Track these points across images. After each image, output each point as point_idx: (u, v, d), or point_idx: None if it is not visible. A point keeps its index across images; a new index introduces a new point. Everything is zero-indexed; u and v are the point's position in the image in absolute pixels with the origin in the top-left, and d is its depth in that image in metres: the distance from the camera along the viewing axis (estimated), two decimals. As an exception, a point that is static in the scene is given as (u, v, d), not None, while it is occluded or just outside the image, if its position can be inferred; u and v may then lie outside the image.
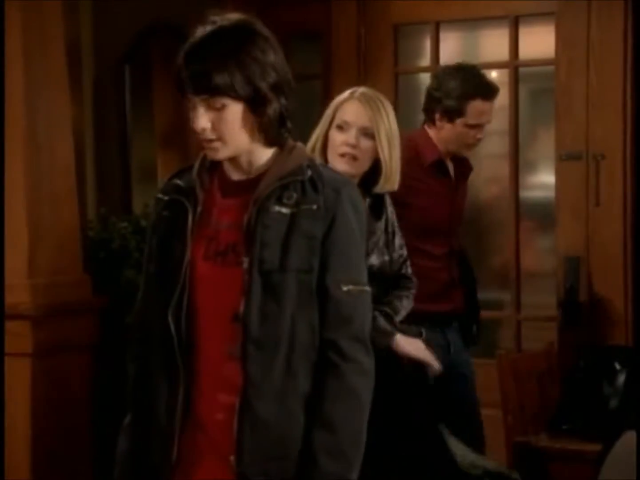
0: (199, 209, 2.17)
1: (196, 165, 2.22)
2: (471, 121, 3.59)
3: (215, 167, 2.22)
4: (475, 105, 3.58)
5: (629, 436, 3.22)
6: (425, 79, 4.77)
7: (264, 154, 2.18)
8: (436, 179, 3.68)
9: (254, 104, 2.09)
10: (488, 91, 3.59)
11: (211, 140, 2.11)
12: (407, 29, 4.76)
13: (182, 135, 4.79)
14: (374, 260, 2.93)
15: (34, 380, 3.87)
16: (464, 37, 4.82)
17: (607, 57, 4.32)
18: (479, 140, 3.65)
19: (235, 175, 2.20)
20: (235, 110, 2.09)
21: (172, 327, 2.13)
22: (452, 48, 4.77)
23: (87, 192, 4.62)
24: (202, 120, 2.09)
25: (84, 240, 4.26)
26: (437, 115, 3.64)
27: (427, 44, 4.70)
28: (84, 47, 4.61)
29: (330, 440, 2.09)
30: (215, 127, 2.09)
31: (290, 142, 2.20)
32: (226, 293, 2.13)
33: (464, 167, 3.79)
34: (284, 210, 2.12)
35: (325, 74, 4.80)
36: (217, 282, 2.14)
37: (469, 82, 3.62)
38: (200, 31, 2.10)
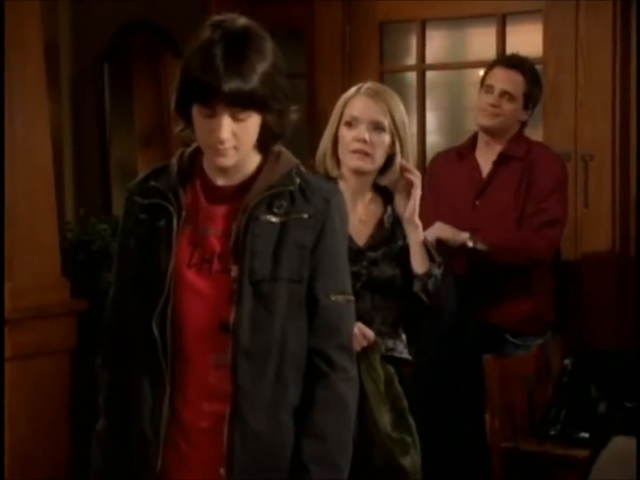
0: (184, 213, 2.18)
1: (174, 165, 2.22)
2: (487, 81, 3.83)
3: (193, 167, 2.22)
4: (495, 71, 3.84)
5: (618, 441, 3.25)
6: (411, 77, 4.80)
7: (251, 160, 2.20)
8: (460, 165, 3.85)
9: (274, 115, 2.12)
10: (507, 59, 3.89)
11: (226, 148, 2.11)
12: (392, 27, 4.77)
13: (162, 135, 4.80)
14: (387, 270, 2.90)
15: (12, 385, 3.87)
16: (450, 36, 4.84)
17: (595, 56, 4.34)
18: (491, 107, 3.78)
19: (220, 180, 2.20)
20: (255, 121, 2.12)
21: (157, 334, 2.14)
22: (438, 46, 4.79)
23: (65, 193, 4.62)
24: (227, 130, 2.09)
25: (62, 242, 4.26)
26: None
27: (413, 43, 4.72)
28: (62, 45, 4.61)
29: (321, 449, 2.13)
30: (235, 136, 2.10)
31: (275, 147, 2.22)
32: (211, 301, 2.14)
33: (506, 155, 3.81)
34: (274, 219, 2.14)
35: (309, 73, 4.82)
36: (202, 290, 2.15)
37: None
38: (217, 37, 2.06)
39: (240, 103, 2.06)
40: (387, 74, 4.81)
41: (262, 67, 2.07)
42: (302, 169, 2.23)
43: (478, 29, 4.75)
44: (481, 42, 4.68)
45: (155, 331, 2.14)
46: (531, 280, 3.81)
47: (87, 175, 4.76)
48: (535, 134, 4.20)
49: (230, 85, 2.04)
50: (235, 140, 2.11)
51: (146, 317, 2.15)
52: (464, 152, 3.90)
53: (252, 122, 2.11)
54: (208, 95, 2.06)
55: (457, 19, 4.70)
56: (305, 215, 2.15)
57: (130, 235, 2.22)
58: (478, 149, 3.88)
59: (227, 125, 2.08)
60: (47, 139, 4.09)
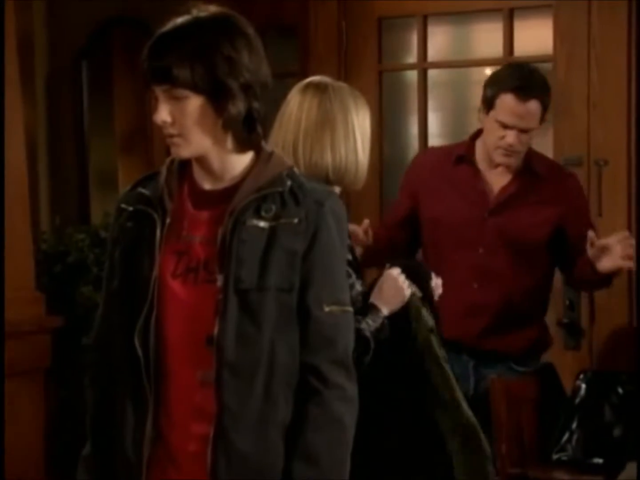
0: (168, 220, 2.20)
1: (163, 171, 2.26)
2: (500, 117, 3.61)
3: (183, 174, 2.26)
4: (505, 100, 3.61)
5: (633, 468, 3.26)
6: (412, 76, 4.82)
7: (238, 161, 2.23)
8: (462, 179, 3.76)
9: (216, 99, 2.15)
10: (521, 87, 3.59)
11: (172, 136, 2.17)
12: (392, 22, 4.79)
13: (145, 138, 4.81)
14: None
15: (-19, 407, 3.88)
16: (454, 32, 4.86)
17: (609, 53, 4.35)
18: (510, 147, 3.62)
19: (207, 184, 2.24)
20: (195, 104, 2.15)
21: (139, 349, 2.16)
22: (441, 44, 4.81)
23: (40, 201, 4.64)
24: (163, 112, 2.16)
25: (36, 253, 4.27)
26: (480, 106, 3.71)
27: (414, 39, 4.74)
28: (37, 41, 4.63)
29: (313, 472, 2.14)
30: (175, 120, 2.16)
31: (267, 149, 2.25)
32: (198, 313, 2.16)
33: (530, 171, 3.74)
34: (262, 224, 2.16)
35: (303, 72, 4.82)
36: (188, 301, 2.17)
37: (508, 74, 3.67)
38: (174, 21, 2.17)
39: (160, 78, 2.13)
40: (387, 73, 4.83)
41: (200, 47, 2.12)
42: (296, 171, 2.26)
43: (483, 24, 4.77)
44: (487, 38, 4.70)
45: (138, 346, 2.16)
46: (537, 309, 3.81)
47: (64, 181, 4.78)
48: (544, 137, 4.21)
49: (151, 62, 2.14)
50: (176, 127, 2.16)
51: (129, 331, 2.18)
52: (464, 157, 3.78)
53: (190, 104, 2.15)
54: (143, 77, 2.16)
55: (461, 14, 4.72)
56: (296, 220, 2.16)
57: (116, 244, 2.25)
58: (480, 157, 3.77)
59: (162, 105, 2.15)
60: (20, 142, 4.10)
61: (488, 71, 4.29)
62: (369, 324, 2.64)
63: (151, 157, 4.73)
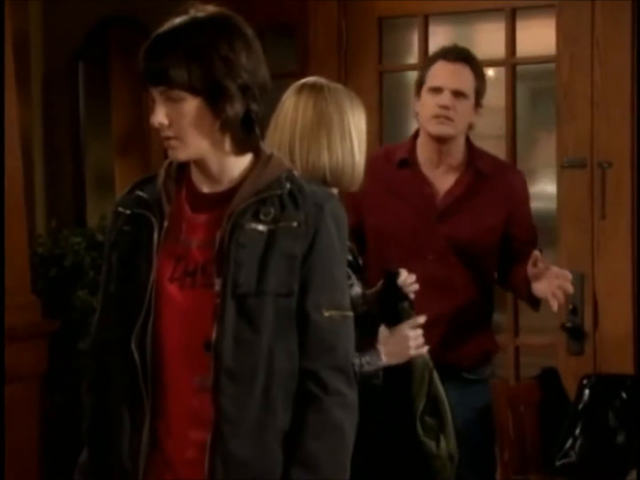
0: (166, 224, 2.21)
1: (161, 174, 2.27)
2: (431, 83, 3.61)
3: (182, 177, 2.26)
4: (435, 67, 3.64)
5: (636, 475, 3.26)
6: (413, 77, 4.82)
7: (237, 164, 2.23)
8: (406, 184, 3.66)
9: (213, 100, 2.15)
10: (451, 51, 3.66)
11: (169, 138, 2.17)
12: (393, 22, 4.80)
13: (142, 140, 4.81)
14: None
15: (-24, 414, 3.87)
16: (455, 32, 4.87)
17: (612, 53, 4.36)
18: (444, 109, 3.56)
19: (205, 187, 2.24)
20: (192, 105, 2.15)
21: (136, 355, 2.16)
22: (442, 44, 4.80)
23: (35, 203, 4.63)
24: (159, 114, 2.16)
25: (32, 257, 4.27)
26: (413, 97, 3.71)
27: (415, 39, 4.74)
28: (33, 41, 4.63)
29: (312, 479, 2.13)
30: (172, 123, 2.16)
31: (266, 151, 2.25)
32: (196, 318, 2.17)
33: (478, 172, 3.66)
34: (261, 227, 2.16)
35: (302, 72, 4.82)
36: (185, 306, 2.18)
37: (435, 51, 3.75)
38: (172, 21, 2.17)
39: (157, 79, 2.14)
40: (387, 74, 4.83)
41: (197, 48, 2.13)
42: (295, 174, 2.25)
43: (485, 24, 4.78)
44: (489, 39, 4.71)
45: (135, 351, 2.17)
46: (486, 315, 3.76)
47: (60, 183, 4.77)
48: (548, 139, 4.22)
49: (147, 63, 2.14)
50: (173, 129, 2.16)
51: (125, 336, 2.18)
52: (407, 161, 3.67)
53: (187, 106, 2.15)
54: (140, 78, 2.16)
55: (463, 14, 4.72)
56: (295, 223, 2.16)
57: (113, 248, 2.26)
58: (422, 158, 3.66)
59: (159, 107, 2.16)
60: (15, 144, 4.10)
61: (490, 72, 4.29)
62: (362, 365, 2.65)
63: (148, 159, 4.73)
